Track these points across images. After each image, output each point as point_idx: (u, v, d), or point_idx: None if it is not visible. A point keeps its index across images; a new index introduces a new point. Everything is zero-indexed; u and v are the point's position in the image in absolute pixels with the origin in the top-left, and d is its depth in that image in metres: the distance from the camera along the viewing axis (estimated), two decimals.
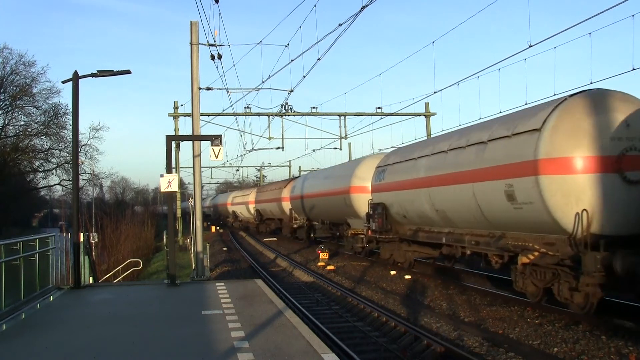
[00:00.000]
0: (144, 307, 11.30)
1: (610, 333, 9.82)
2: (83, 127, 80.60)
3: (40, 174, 57.14)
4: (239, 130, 45.30)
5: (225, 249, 37.22)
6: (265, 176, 71.50)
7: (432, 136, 30.90)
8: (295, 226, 35.63)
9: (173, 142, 15.79)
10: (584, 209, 10.16)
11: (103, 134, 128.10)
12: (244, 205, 52.85)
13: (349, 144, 64.26)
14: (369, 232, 20.50)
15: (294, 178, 40.24)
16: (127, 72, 14.91)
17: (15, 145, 51.62)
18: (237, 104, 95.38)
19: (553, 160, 10.48)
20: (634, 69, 12.61)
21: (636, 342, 9.16)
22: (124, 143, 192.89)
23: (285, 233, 39.86)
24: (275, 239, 41.47)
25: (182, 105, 38.20)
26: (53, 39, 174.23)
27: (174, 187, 14.02)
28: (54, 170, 54.47)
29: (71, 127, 16.78)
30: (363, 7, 12.81)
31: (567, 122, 10.54)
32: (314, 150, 56.33)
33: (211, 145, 14.40)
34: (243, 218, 55.79)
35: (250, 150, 36.19)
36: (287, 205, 37.07)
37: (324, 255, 23.83)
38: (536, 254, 11.35)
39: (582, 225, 10.14)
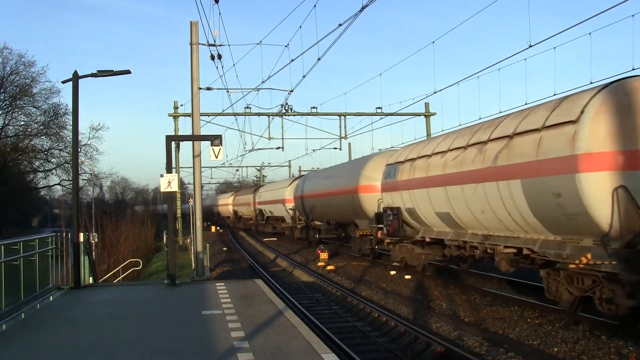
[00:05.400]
0: (144, 307, 11.30)
1: (610, 333, 9.81)
2: (83, 127, 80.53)
3: (40, 174, 57.44)
4: (239, 130, 45.37)
5: (225, 249, 37.23)
6: (265, 176, 71.41)
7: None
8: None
9: (173, 142, 15.80)
10: None
11: (103, 134, 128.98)
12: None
13: (349, 144, 64.12)
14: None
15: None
16: (127, 72, 14.94)
17: (15, 145, 51.75)
18: (237, 104, 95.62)
19: None
20: (633, 69, 12.57)
21: (636, 342, 9.16)
22: (124, 143, 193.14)
23: None
24: (275, 239, 41.47)
25: (182, 105, 38.26)
26: (53, 39, 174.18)
27: (174, 187, 14.02)
28: (54, 170, 54.71)
29: (71, 127, 16.80)
30: (363, 7, 12.81)
31: None
32: (314, 150, 56.35)
33: (211, 145, 14.41)
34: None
35: (250, 150, 36.25)
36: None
37: (324, 255, 23.80)
38: None
39: None
